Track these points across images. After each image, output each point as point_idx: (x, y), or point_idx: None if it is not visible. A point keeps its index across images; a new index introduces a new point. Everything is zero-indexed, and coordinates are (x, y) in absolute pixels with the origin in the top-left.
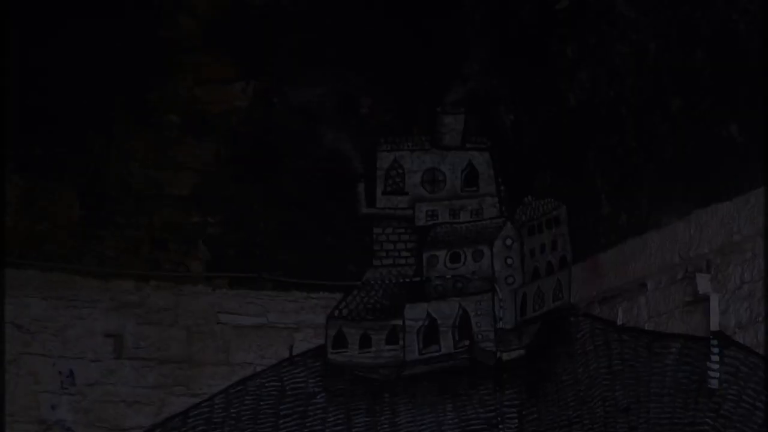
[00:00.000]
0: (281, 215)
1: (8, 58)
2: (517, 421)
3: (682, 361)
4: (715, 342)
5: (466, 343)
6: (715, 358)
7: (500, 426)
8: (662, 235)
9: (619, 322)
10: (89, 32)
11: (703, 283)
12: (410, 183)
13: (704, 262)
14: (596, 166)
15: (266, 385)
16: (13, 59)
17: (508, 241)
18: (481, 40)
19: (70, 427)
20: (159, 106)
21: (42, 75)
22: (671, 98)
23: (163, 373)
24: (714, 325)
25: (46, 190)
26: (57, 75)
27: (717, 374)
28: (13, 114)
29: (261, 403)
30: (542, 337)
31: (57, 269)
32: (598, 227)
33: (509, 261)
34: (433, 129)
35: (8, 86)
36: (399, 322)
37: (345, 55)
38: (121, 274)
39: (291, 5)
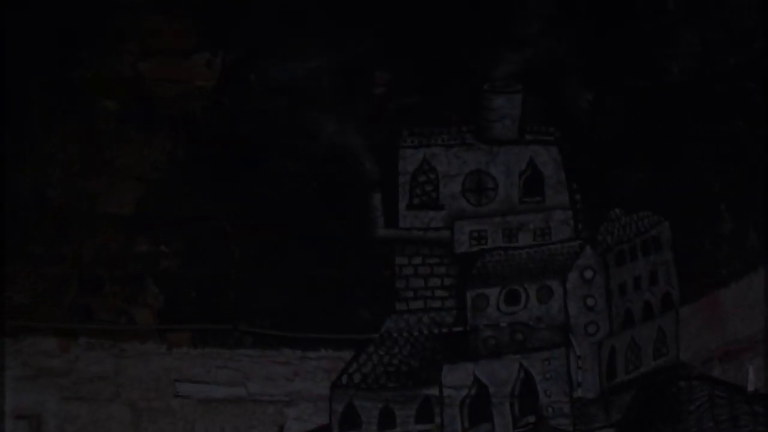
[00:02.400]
0: (263, 241)
1: None
2: None
3: None
4: None
5: (531, 419)
6: None
7: None
8: None
9: (750, 388)
10: None
11: None
12: (447, 192)
13: None
14: (712, 164)
15: None
16: None
17: (588, 274)
18: None
19: None
20: (90, 87)
21: None
22: None
23: None
24: None
25: None
26: None
27: None
28: None
29: None
30: (639, 410)
31: None
32: (718, 252)
33: (589, 302)
34: (477, 115)
35: None
36: (434, 391)
37: (350, 12)
38: (38, 329)
39: None
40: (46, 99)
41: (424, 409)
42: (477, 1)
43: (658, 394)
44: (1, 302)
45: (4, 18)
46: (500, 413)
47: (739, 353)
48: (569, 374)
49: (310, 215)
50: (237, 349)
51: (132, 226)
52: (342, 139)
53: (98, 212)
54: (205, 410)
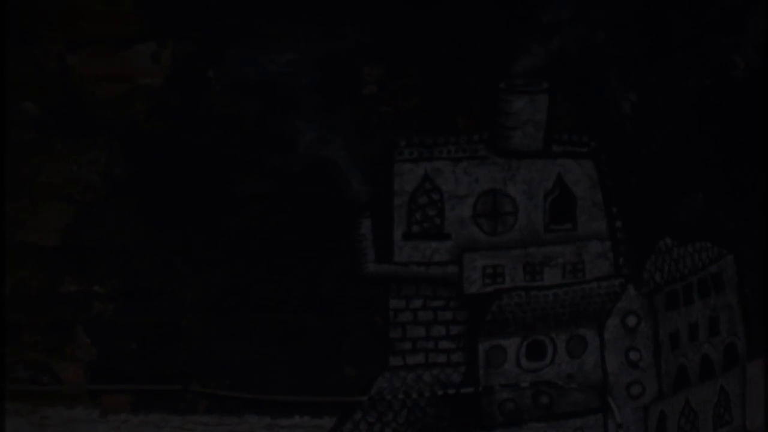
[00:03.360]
0: (224, 279)
1: None
2: None
3: None
4: None
5: None
6: None
7: None
8: None
9: None
10: None
11: None
12: (454, 218)
13: None
14: None
15: None
16: None
17: (631, 320)
18: None
19: None
20: (3, 86)
21: None
22: None
23: None
24: None
25: None
26: None
27: None
28: None
29: None
30: None
31: None
32: None
33: (633, 356)
34: (493, 120)
35: None
36: None
37: None
38: None
39: None
40: None
41: None
42: None
43: None
44: None
45: None
46: None
47: None
48: None
49: (283, 247)
50: (189, 416)
51: (58, 261)
52: (323, 151)
53: (15, 242)
54: None
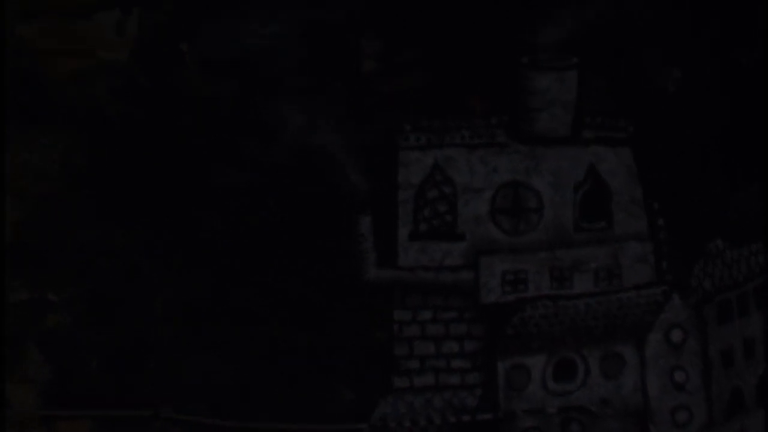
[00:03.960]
0: (199, 285)
1: None
2: None
3: None
4: None
5: None
6: None
7: None
8: None
9: None
10: None
11: None
12: (469, 214)
13: None
14: None
15: None
16: None
17: (677, 335)
18: None
19: None
20: None
21: None
22: None
23: None
24: None
25: None
26: None
27: None
28: None
29: None
30: None
31: None
32: None
33: (678, 376)
34: (514, 101)
35: None
36: None
37: None
38: None
39: None
40: None
41: None
42: None
43: None
44: None
45: None
46: None
47: None
48: None
49: (268, 249)
50: None
51: (6, 264)
52: (313, 137)
53: None
54: None
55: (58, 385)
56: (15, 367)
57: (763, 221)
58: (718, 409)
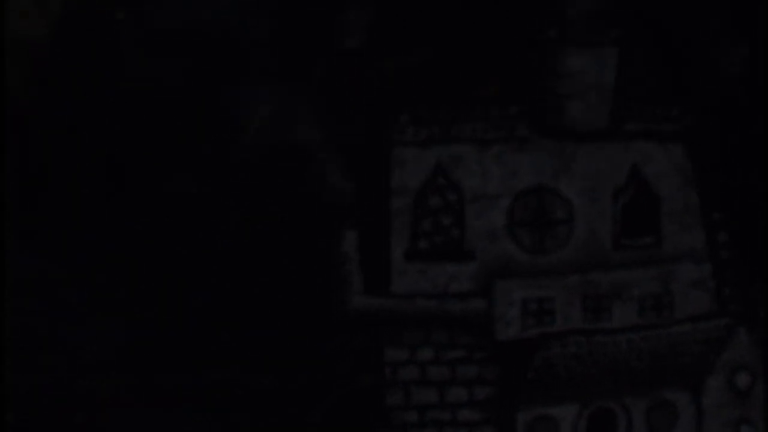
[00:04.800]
0: (137, 322)
1: None
2: None
3: None
4: None
5: None
6: None
7: None
8: None
9: None
10: None
11: None
12: (481, 228)
13: None
14: None
15: None
16: None
17: (743, 379)
18: None
19: None
20: None
21: None
22: None
23: None
24: None
25: None
26: None
27: None
28: None
29: None
30: None
31: None
32: None
33: (746, 431)
34: (538, 85)
35: None
36: None
37: None
38: None
39: None
40: None
41: None
42: None
43: None
44: None
45: None
46: None
47: None
48: None
49: (226, 273)
50: None
51: None
52: (286, 131)
53: None
54: None
55: None
56: None
57: None
58: None
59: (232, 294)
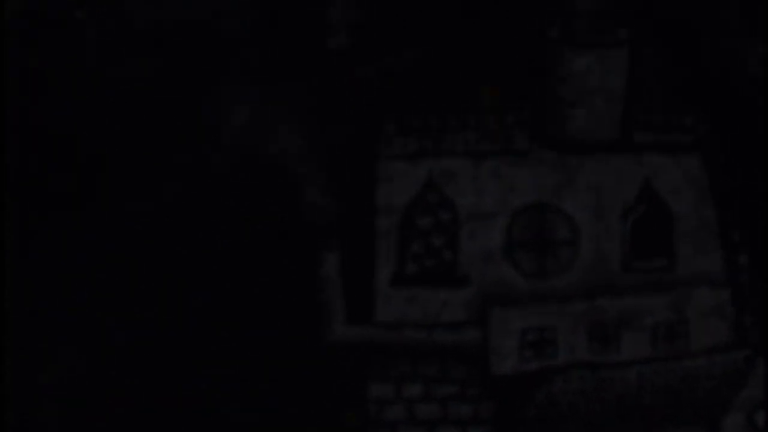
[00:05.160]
0: (95, 349)
1: None
2: None
3: None
4: None
5: None
6: None
7: None
8: None
9: None
10: None
11: None
12: (476, 250)
13: None
14: None
15: None
16: None
17: (763, 418)
18: None
19: None
20: None
21: None
22: None
23: None
24: None
25: None
26: None
27: None
28: None
29: None
30: None
31: None
32: None
33: None
34: (539, 91)
35: None
36: None
37: None
38: None
39: None
40: None
41: None
42: None
43: None
44: None
45: None
46: None
47: None
48: None
49: (193, 296)
50: None
51: None
52: (262, 140)
53: None
54: None
55: None
56: None
57: None
58: None
59: (198, 320)
